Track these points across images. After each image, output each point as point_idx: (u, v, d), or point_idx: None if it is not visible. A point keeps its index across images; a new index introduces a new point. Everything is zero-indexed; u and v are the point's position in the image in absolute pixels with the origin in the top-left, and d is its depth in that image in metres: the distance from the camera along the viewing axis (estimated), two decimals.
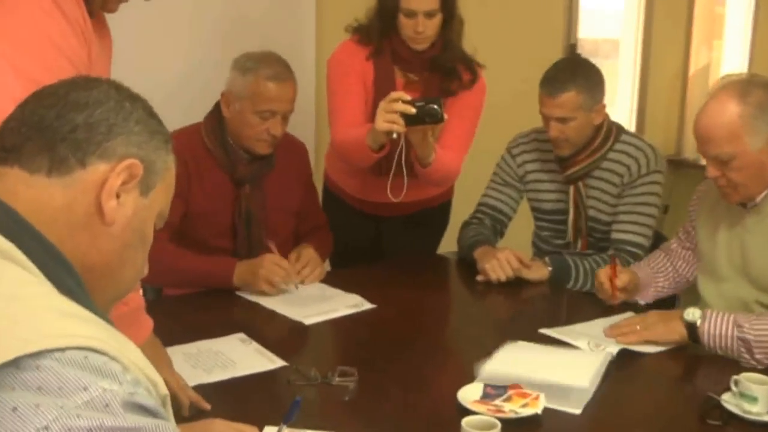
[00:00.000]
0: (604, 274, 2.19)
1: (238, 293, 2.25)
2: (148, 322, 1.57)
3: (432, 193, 2.77)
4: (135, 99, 0.99)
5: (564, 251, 2.59)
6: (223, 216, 2.39)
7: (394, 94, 2.25)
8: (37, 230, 0.89)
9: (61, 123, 0.92)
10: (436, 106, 2.22)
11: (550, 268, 2.43)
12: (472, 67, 2.60)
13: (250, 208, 2.40)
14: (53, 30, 1.37)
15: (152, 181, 0.98)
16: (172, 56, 3.36)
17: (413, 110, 2.21)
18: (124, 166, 0.93)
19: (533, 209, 2.69)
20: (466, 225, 2.67)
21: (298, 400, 1.42)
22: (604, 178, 2.50)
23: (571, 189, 2.54)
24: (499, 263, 2.38)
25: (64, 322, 0.80)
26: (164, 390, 0.87)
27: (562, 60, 2.59)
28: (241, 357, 1.82)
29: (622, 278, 2.18)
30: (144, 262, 1.02)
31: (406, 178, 2.49)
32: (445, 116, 2.26)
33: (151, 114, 1.00)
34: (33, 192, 0.90)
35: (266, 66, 2.30)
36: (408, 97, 2.23)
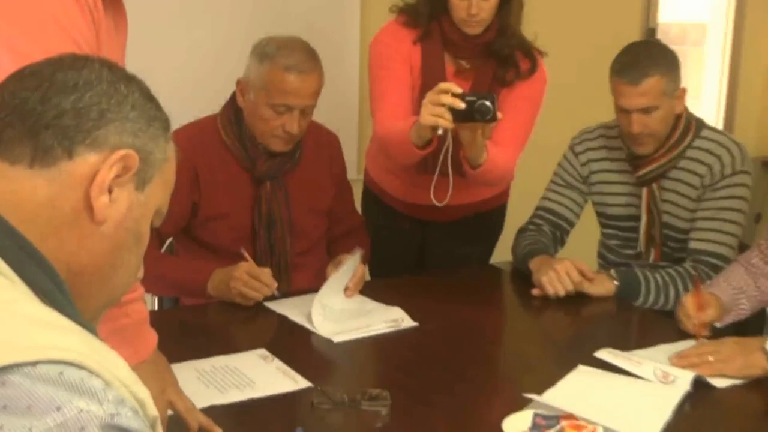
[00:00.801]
0: (692, 305, 2.08)
1: (266, 304, 2.24)
2: (152, 337, 1.56)
3: (484, 195, 2.74)
4: (130, 80, 0.98)
5: (634, 262, 2.54)
6: (241, 218, 2.38)
7: (442, 86, 2.22)
8: (15, 228, 0.88)
9: (45, 107, 0.91)
10: (488, 103, 2.18)
11: (616, 283, 2.37)
12: (531, 54, 2.56)
13: (271, 209, 2.39)
14: (56, 7, 1.37)
15: (149, 173, 0.97)
16: (195, 41, 3.40)
17: (462, 105, 2.18)
18: (117, 157, 0.92)
19: (599, 215, 2.64)
20: (522, 231, 2.64)
21: None
22: (682, 179, 2.44)
23: (644, 192, 2.49)
24: (558, 275, 2.33)
25: (38, 331, 0.78)
26: (153, 411, 0.86)
27: (634, 44, 2.52)
28: (260, 376, 1.80)
29: (710, 314, 2.07)
30: (138, 265, 1.02)
31: (451, 178, 2.48)
32: (499, 115, 2.21)
33: (148, 98, 0.99)
34: (12, 185, 0.90)
35: (286, 54, 2.27)
36: (458, 90, 2.20)
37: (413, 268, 2.80)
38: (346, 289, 2.30)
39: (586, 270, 2.37)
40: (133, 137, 0.94)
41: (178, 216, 2.33)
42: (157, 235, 2.32)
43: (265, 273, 2.22)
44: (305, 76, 2.28)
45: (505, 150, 2.47)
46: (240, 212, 2.38)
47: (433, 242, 2.82)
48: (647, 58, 2.34)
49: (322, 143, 2.54)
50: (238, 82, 2.36)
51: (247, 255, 2.28)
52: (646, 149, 2.43)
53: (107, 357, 0.82)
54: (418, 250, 2.84)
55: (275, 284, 2.23)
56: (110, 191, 0.92)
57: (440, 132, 2.24)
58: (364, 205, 2.85)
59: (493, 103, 2.19)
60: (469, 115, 2.19)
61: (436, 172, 2.49)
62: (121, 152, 0.92)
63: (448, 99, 2.18)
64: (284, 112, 2.28)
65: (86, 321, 0.88)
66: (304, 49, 2.32)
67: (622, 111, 2.39)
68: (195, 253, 2.41)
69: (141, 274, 1.04)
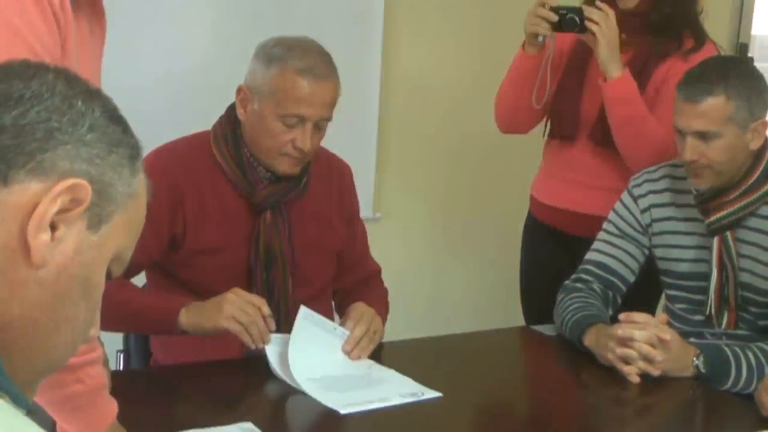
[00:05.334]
0: None
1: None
2: (111, 407, 1.58)
3: None
4: (92, 96, 0.98)
5: (706, 331, 2.53)
6: (235, 253, 2.40)
7: None
8: None
9: None
10: (576, 18, 2.81)
11: (696, 362, 2.34)
12: (700, 34, 2.89)
13: (270, 244, 2.40)
14: (10, 7, 1.40)
15: (107, 210, 0.97)
16: (190, 43, 3.48)
17: (555, 17, 2.81)
18: (64, 187, 0.92)
19: (663, 272, 2.65)
20: (567, 291, 2.63)
21: None
22: (765, 229, 2.45)
23: (715, 242, 2.49)
24: (626, 354, 2.30)
25: None
26: None
27: (713, 57, 2.64)
28: None
29: None
30: (88, 322, 1.01)
31: (549, 80, 2.95)
32: (594, 29, 2.75)
33: (113, 118, 0.99)
34: None
35: (299, 56, 2.31)
36: (553, 3, 2.82)
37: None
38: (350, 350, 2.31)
39: (665, 334, 2.30)
40: (88, 164, 0.94)
41: (152, 246, 2.33)
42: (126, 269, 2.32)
43: (262, 301, 2.24)
44: (321, 82, 2.32)
45: (659, 125, 2.79)
46: (234, 247, 2.40)
47: None
48: (717, 73, 2.38)
49: (332, 174, 2.58)
50: (239, 90, 2.39)
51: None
52: (702, 183, 2.45)
53: None
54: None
55: (267, 310, 2.23)
56: (55, 229, 0.92)
57: (541, 39, 2.89)
58: (526, 233, 3.25)
59: (580, 17, 2.79)
60: (565, 27, 2.82)
61: (539, 76, 2.94)
62: (70, 181, 0.92)
63: (543, 12, 2.82)
64: (295, 125, 2.32)
65: (17, 389, 0.88)
66: (319, 51, 2.37)
67: (678, 133, 2.43)
68: (175, 295, 2.38)
69: (94, 333, 1.04)
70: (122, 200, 0.99)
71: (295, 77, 2.30)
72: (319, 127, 2.36)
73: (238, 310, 2.20)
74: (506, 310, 3.50)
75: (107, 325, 2.34)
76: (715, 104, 2.35)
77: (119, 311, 2.24)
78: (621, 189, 2.75)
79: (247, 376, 2.24)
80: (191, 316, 2.24)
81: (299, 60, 2.31)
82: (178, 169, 2.37)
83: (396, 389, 2.17)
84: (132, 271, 2.37)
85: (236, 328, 2.19)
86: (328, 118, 2.37)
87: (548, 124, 3.08)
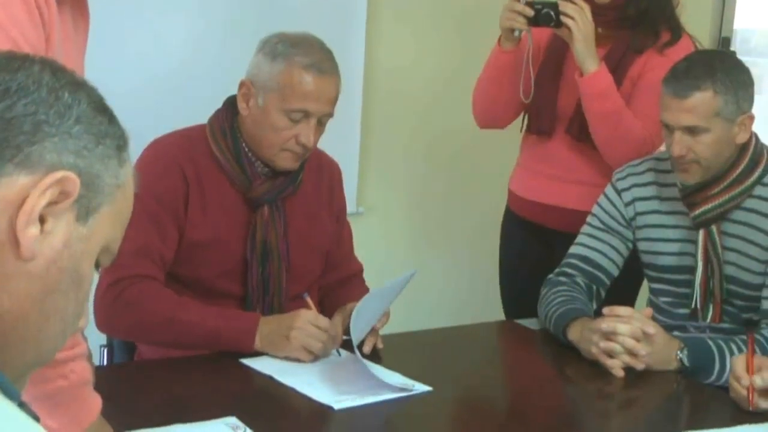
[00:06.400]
0: (741, 366, 2.10)
1: (243, 360, 2.24)
2: (95, 402, 1.58)
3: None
4: (78, 88, 0.98)
5: (689, 324, 2.55)
6: (231, 248, 2.40)
7: None
8: None
9: None
10: (552, 12, 2.80)
11: (680, 355, 2.35)
12: (676, 27, 2.89)
13: (266, 238, 2.41)
14: None
15: (95, 202, 0.97)
16: (178, 38, 3.48)
17: (530, 12, 2.81)
18: (53, 179, 0.92)
19: (647, 266, 2.66)
20: (551, 285, 2.65)
21: None
22: (750, 222, 2.46)
23: (701, 235, 2.51)
24: (610, 348, 2.31)
25: None
26: None
27: (698, 52, 2.66)
28: None
29: (765, 376, 2.07)
30: (77, 313, 1.01)
31: (533, 78, 2.95)
32: (566, 22, 2.74)
33: (99, 109, 0.99)
34: None
35: (304, 51, 2.34)
36: None
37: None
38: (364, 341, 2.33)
39: (648, 325, 2.32)
40: (76, 156, 0.95)
41: (176, 238, 2.35)
42: (163, 265, 2.34)
43: (330, 323, 2.28)
44: (326, 77, 2.35)
45: (636, 119, 2.81)
46: (230, 241, 2.40)
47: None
48: (704, 68, 2.39)
49: (322, 172, 2.59)
50: (242, 85, 2.39)
51: (310, 302, 2.33)
52: (690, 178, 2.46)
53: (24, 429, 0.83)
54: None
55: (341, 339, 2.29)
56: (43, 221, 0.93)
57: (516, 34, 2.89)
58: (504, 226, 3.27)
59: (555, 12, 2.78)
60: (540, 21, 2.82)
61: (523, 71, 2.94)
62: (58, 174, 0.92)
63: (518, 6, 2.82)
64: (300, 120, 2.34)
65: (9, 381, 0.89)
66: (322, 47, 2.40)
67: (665, 128, 2.44)
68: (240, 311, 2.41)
69: (84, 323, 1.04)
70: (110, 191, 0.99)
71: (301, 72, 2.33)
72: (321, 123, 2.39)
73: (307, 338, 2.24)
74: (486, 304, 3.52)
75: (172, 345, 2.34)
76: (702, 99, 2.36)
77: (184, 335, 2.28)
78: (598, 183, 2.78)
79: (231, 370, 2.23)
80: (264, 340, 2.26)
81: (304, 56, 2.34)
82: (183, 161, 2.38)
83: (387, 384, 2.16)
84: (165, 268, 2.37)
85: (308, 358, 2.25)
86: (330, 114, 2.40)
87: (525, 118, 3.09)
